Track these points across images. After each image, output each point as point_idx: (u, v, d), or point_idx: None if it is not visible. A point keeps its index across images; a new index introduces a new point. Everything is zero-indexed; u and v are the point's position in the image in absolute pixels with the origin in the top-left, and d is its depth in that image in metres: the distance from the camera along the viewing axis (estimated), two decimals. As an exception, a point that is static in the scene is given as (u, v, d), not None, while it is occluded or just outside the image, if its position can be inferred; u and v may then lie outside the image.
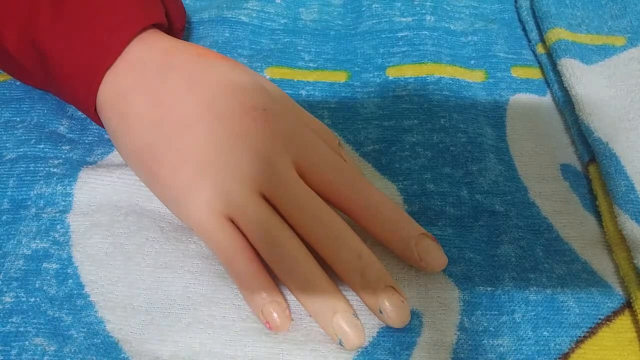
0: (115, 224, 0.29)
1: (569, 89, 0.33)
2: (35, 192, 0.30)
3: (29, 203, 0.30)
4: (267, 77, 0.36)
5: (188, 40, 0.36)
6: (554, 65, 0.35)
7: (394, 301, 0.26)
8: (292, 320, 0.27)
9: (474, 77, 0.36)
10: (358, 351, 0.26)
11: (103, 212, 0.30)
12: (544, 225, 0.30)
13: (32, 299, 0.27)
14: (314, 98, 0.35)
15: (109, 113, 0.30)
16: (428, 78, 0.35)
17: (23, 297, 0.27)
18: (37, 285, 0.27)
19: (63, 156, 0.32)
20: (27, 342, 0.26)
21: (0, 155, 0.32)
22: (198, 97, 0.29)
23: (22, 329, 0.26)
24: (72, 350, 0.26)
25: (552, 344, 0.25)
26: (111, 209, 0.30)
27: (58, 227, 0.29)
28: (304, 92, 0.36)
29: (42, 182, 0.31)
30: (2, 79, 0.36)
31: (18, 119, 0.34)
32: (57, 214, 0.30)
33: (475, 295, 0.27)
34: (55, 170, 0.31)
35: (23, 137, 0.33)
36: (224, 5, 0.40)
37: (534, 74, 0.36)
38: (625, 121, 0.31)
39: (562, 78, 0.33)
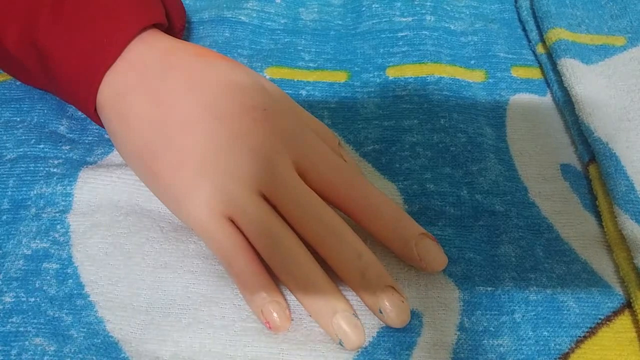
0: (115, 224, 0.29)
1: (569, 89, 0.33)
2: (35, 192, 0.30)
3: (29, 203, 0.30)
4: (267, 77, 0.36)
5: (188, 40, 0.36)
6: (554, 65, 0.35)
7: (394, 301, 0.26)
8: (292, 320, 0.27)
9: (474, 77, 0.36)
10: (358, 351, 0.26)
11: (103, 212, 0.30)
12: (544, 225, 0.30)
13: (32, 299, 0.27)
14: (314, 98, 0.35)
15: (109, 113, 0.30)
16: (428, 78, 0.35)
17: (23, 297, 0.27)
18: (37, 285, 0.27)
19: (63, 156, 0.32)
20: (27, 342, 0.26)
21: (0, 155, 0.32)
22: (198, 97, 0.29)
23: (22, 329, 0.26)
24: (72, 350, 0.26)
25: (552, 344, 0.25)
26: (111, 209, 0.30)
27: (58, 227, 0.29)
28: (304, 92, 0.36)
29: (42, 182, 0.31)
30: (2, 79, 0.36)
31: (18, 119, 0.34)
32: (57, 214, 0.30)
33: (475, 295, 0.27)
34: (55, 170, 0.31)
35: (23, 137, 0.33)
36: (224, 5, 0.40)
37: (534, 74, 0.36)
38: (625, 121, 0.31)
39: (562, 78, 0.33)
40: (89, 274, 0.28)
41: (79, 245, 0.29)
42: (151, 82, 0.29)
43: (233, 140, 0.28)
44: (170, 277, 0.28)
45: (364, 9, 0.40)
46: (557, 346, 0.25)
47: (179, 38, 0.35)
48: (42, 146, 0.32)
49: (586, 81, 0.32)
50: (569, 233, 0.29)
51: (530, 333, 0.26)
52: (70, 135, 0.33)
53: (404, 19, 0.39)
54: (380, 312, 0.26)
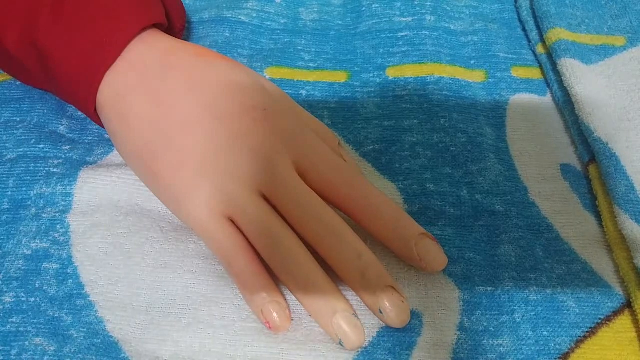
0: (115, 224, 0.29)
1: (569, 89, 0.33)
2: (35, 192, 0.30)
3: (29, 203, 0.30)
4: (267, 77, 0.36)
5: (188, 40, 0.36)
6: (554, 65, 0.35)
7: (394, 301, 0.26)
8: (292, 320, 0.27)
9: (474, 77, 0.36)
10: (358, 351, 0.26)
11: (103, 212, 0.30)
12: (544, 225, 0.30)
13: (32, 299, 0.27)
14: (314, 98, 0.35)
15: (109, 113, 0.30)
16: (428, 78, 0.35)
17: (23, 297, 0.27)
18: (37, 285, 0.27)
19: (63, 156, 0.32)
20: (27, 342, 0.26)
21: (0, 155, 0.32)
22: (198, 97, 0.29)
23: (22, 329, 0.26)
24: (72, 350, 0.26)
25: (552, 344, 0.25)
26: (111, 209, 0.30)
27: (58, 227, 0.29)
28: (304, 92, 0.36)
29: (42, 182, 0.31)
30: (2, 79, 0.36)
31: (18, 119, 0.34)
32: (57, 214, 0.30)
33: (475, 295, 0.27)
34: (55, 170, 0.31)
35: (23, 137, 0.33)
36: (224, 5, 0.40)
37: (534, 74, 0.36)
38: (625, 121, 0.31)
39: (562, 78, 0.33)
40: (89, 274, 0.28)
41: (79, 245, 0.29)
42: (151, 82, 0.29)
43: (233, 140, 0.28)
44: (170, 277, 0.28)
45: (364, 9, 0.40)
46: (557, 346, 0.25)
47: (179, 38, 0.35)
48: (42, 146, 0.32)
49: (586, 81, 0.32)
50: (569, 233, 0.29)
51: (530, 333, 0.26)
52: (70, 135, 0.33)
53: (404, 19, 0.39)
54: (380, 312, 0.26)
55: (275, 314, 0.26)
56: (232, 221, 0.27)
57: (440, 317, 0.27)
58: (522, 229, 0.29)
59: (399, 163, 0.32)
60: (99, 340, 0.26)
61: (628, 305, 0.27)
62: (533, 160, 0.32)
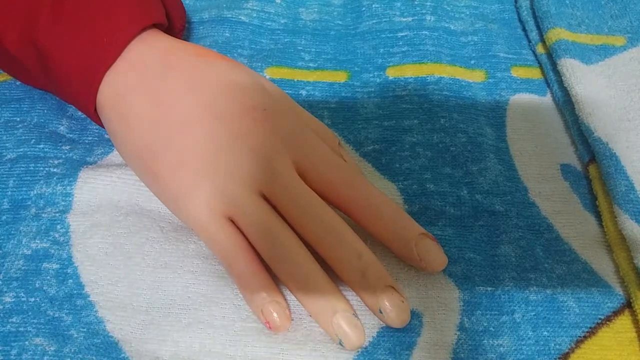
0: (115, 224, 0.29)
1: (569, 89, 0.33)
2: (35, 192, 0.30)
3: (29, 203, 0.30)
4: (267, 77, 0.36)
5: (188, 40, 0.36)
6: (554, 65, 0.35)
7: (394, 301, 0.26)
8: (292, 320, 0.27)
9: (474, 77, 0.36)
10: (358, 351, 0.26)
11: (103, 212, 0.30)
12: (544, 225, 0.30)
13: (32, 299, 0.27)
14: (314, 98, 0.35)
15: (109, 113, 0.30)
16: (428, 78, 0.35)
17: (23, 297, 0.27)
18: (37, 285, 0.27)
19: (63, 156, 0.32)
20: (27, 342, 0.26)
21: (0, 155, 0.32)
22: (198, 97, 0.29)
23: (22, 329, 0.26)
24: (72, 350, 0.26)
25: (552, 344, 0.25)
26: (111, 209, 0.30)
27: (58, 227, 0.29)
28: (304, 92, 0.36)
29: (42, 182, 0.31)
30: (2, 79, 0.36)
31: (18, 119, 0.34)
32: (57, 214, 0.30)
33: (475, 295, 0.27)
34: (55, 170, 0.31)
35: (23, 137, 0.33)
36: (224, 5, 0.40)
37: (534, 74, 0.36)
38: (625, 121, 0.31)
39: (562, 78, 0.33)
40: (89, 274, 0.28)
41: (79, 245, 0.29)
42: (151, 82, 0.29)
43: (233, 140, 0.28)
44: (170, 277, 0.28)
45: (364, 9, 0.40)
46: (557, 346, 0.25)
47: (179, 38, 0.35)
48: (42, 146, 0.32)
49: (586, 81, 0.32)
50: (569, 233, 0.29)
51: (530, 333, 0.26)
52: (70, 135, 0.33)
53: (404, 19, 0.39)
54: (380, 312, 0.26)
55: (275, 314, 0.26)
56: (232, 221, 0.27)
57: (440, 317, 0.27)
58: (522, 229, 0.29)
59: (399, 163, 0.32)
60: (99, 340, 0.26)
61: (628, 305, 0.27)
62: (533, 160, 0.32)
